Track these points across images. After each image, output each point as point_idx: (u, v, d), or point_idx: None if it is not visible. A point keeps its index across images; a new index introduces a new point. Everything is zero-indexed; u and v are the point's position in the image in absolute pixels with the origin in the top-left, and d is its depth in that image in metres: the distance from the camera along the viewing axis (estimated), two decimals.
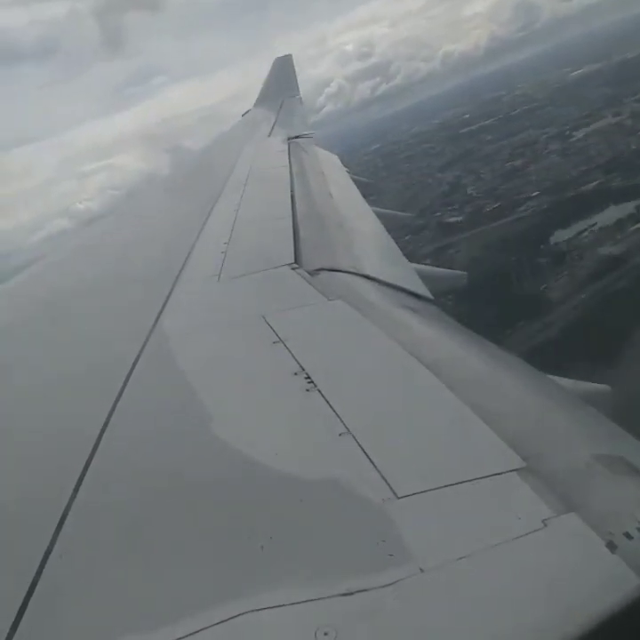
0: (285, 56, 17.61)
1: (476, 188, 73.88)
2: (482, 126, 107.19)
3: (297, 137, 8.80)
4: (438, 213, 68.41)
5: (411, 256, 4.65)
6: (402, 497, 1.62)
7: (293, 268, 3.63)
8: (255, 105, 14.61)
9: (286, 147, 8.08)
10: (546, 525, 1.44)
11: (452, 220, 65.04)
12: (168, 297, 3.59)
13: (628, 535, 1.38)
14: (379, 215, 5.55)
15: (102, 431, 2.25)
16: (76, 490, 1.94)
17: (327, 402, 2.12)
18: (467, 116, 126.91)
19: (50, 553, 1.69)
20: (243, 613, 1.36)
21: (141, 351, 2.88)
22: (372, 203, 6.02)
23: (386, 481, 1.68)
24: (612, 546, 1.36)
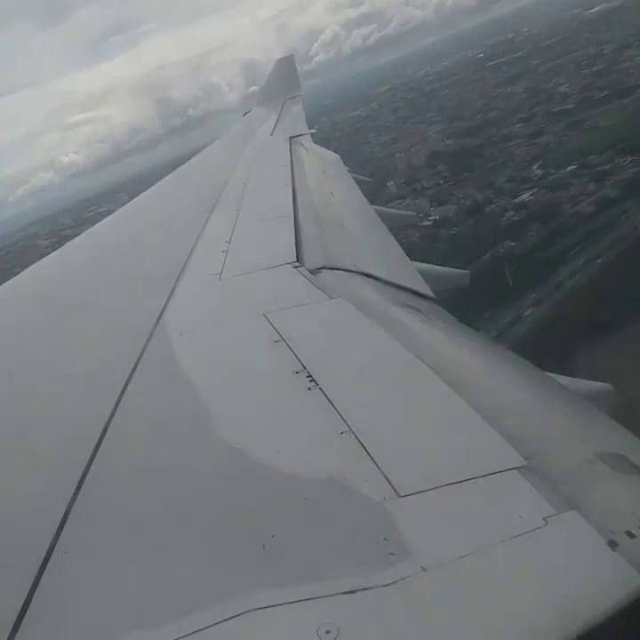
0: (287, 56, 17.67)
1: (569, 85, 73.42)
2: (513, 58, 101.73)
3: (298, 136, 8.80)
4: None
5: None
6: (403, 495, 1.62)
7: (295, 267, 3.63)
8: (257, 104, 14.64)
9: (288, 146, 8.08)
10: (547, 523, 1.45)
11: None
12: (170, 296, 3.59)
13: (629, 533, 1.38)
14: (380, 214, 5.55)
15: (105, 429, 2.25)
16: (78, 487, 1.95)
17: (329, 400, 2.12)
18: (481, 55, 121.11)
19: (52, 551, 1.69)
20: (245, 612, 1.36)
21: (143, 350, 2.88)
22: (375, 199, 6.02)
23: (387, 479, 1.68)
24: (613, 544, 1.36)
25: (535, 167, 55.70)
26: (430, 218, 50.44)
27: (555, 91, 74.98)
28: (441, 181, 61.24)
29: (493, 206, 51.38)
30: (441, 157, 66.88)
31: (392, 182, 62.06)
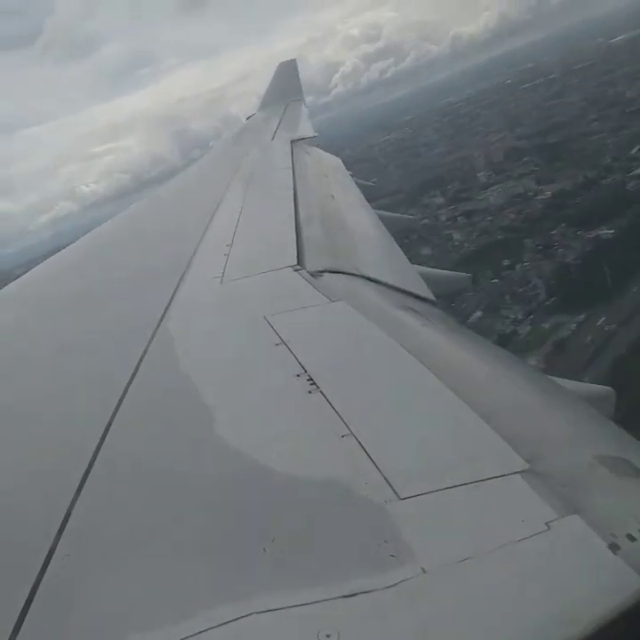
0: (289, 61, 17.71)
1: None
2: (548, 79, 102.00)
3: (300, 139, 8.82)
4: None
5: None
6: (404, 498, 1.62)
7: (296, 270, 3.64)
8: (259, 109, 14.67)
9: (289, 149, 8.09)
10: (549, 528, 1.44)
11: None
12: (171, 299, 3.59)
13: (630, 537, 1.38)
14: (381, 218, 5.55)
15: (105, 431, 2.25)
16: (79, 489, 1.95)
17: (329, 403, 2.12)
18: (509, 81, 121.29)
19: (53, 553, 1.69)
20: (245, 615, 1.35)
21: (145, 353, 2.89)
22: (379, 205, 6.03)
23: (388, 482, 1.68)
24: (614, 547, 1.35)
25: (634, 151, 58.64)
26: (546, 192, 55.79)
27: (621, 96, 75.79)
28: (536, 168, 64.19)
29: (609, 180, 55.27)
30: (522, 153, 68.91)
31: (482, 173, 67.41)
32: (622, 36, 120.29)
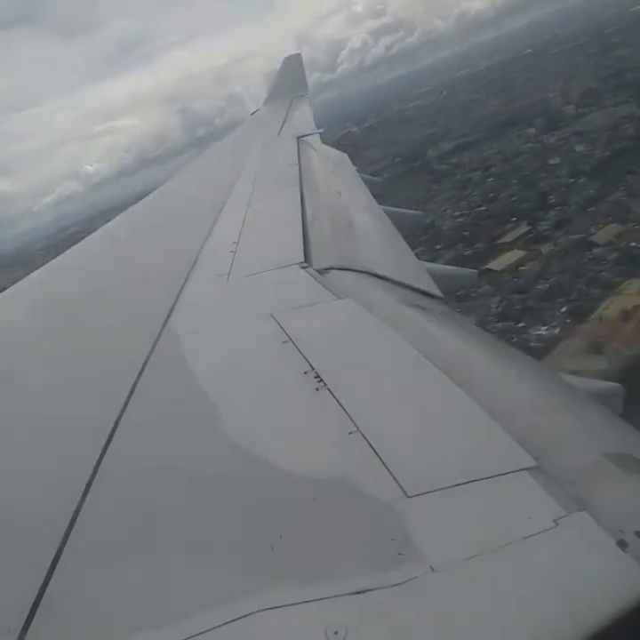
0: (294, 55, 17.65)
1: None
2: (579, 44, 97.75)
3: (306, 135, 8.80)
4: None
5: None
6: (412, 496, 1.62)
7: (303, 267, 3.64)
8: (264, 103, 14.64)
9: (296, 145, 8.08)
10: (557, 524, 1.44)
11: None
12: (178, 296, 3.60)
13: (638, 534, 1.37)
14: (388, 214, 5.54)
15: (113, 429, 2.26)
16: (87, 488, 1.96)
17: (337, 401, 2.12)
18: (529, 50, 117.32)
19: (61, 552, 1.70)
20: (253, 612, 1.36)
21: (152, 350, 2.89)
22: (383, 200, 6.02)
23: (396, 480, 1.68)
24: (622, 544, 1.35)
25: None
26: None
27: None
28: (629, 98, 65.17)
29: None
30: (603, 91, 69.41)
31: (568, 107, 70.03)
32: None
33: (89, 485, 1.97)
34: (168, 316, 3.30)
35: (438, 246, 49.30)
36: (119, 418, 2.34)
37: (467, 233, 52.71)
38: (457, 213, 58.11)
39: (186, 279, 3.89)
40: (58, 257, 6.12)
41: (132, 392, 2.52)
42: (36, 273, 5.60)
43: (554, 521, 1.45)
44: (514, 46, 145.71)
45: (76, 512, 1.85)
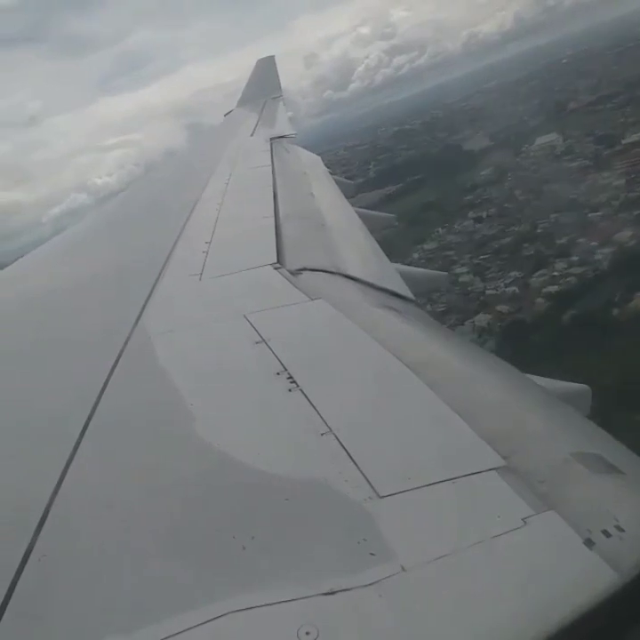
0: (268, 57, 17.65)
1: None
2: (612, 52, 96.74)
3: (280, 137, 8.80)
4: None
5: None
6: (383, 496, 1.63)
7: (276, 268, 3.63)
8: (238, 105, 14.60)
9: (268, 146, 8.07)
10: (525, 523, 1.46)
11: None
12: (149, 296, 3.57)
13: (605, 533, 1.40)
14: (360, 216, 5.57)
15: (83, 429, 2.23)
16: (57, 487, 1.93)
17: (309, 401, 2.12)
18: (549, 64, 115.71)
19: (29, 555, 1.67)
20: (225, 614, 1.35)
21: (122, 350, 2.86)
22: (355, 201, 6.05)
23: (368, 480, 1.69)
24: (590, 543, 1.38)
25: None
26: None
27: None
28: None
29: None
30: None
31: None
32: None
33: (59, 483, 1.94)
34: (139, 316, 3.27)
35: None
36: (89, 418, 2.31)
37: None
38: None
39: (157, 279, 3.85)
40: (26, 255, 6.02)
41: (102, 392, 2.49)
42: (3, 271, 5.51)
43: (522, 520, 1.47)
44: (523, 68, 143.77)
45: (45, 514, 1.82)
